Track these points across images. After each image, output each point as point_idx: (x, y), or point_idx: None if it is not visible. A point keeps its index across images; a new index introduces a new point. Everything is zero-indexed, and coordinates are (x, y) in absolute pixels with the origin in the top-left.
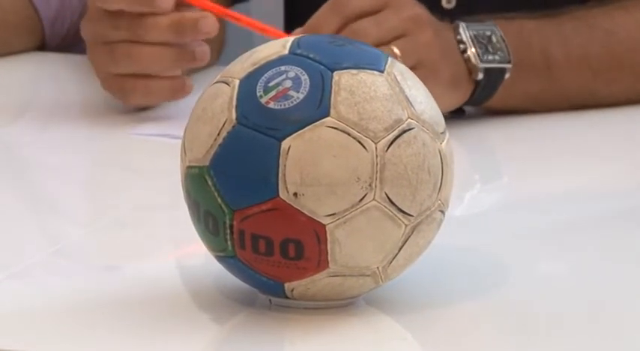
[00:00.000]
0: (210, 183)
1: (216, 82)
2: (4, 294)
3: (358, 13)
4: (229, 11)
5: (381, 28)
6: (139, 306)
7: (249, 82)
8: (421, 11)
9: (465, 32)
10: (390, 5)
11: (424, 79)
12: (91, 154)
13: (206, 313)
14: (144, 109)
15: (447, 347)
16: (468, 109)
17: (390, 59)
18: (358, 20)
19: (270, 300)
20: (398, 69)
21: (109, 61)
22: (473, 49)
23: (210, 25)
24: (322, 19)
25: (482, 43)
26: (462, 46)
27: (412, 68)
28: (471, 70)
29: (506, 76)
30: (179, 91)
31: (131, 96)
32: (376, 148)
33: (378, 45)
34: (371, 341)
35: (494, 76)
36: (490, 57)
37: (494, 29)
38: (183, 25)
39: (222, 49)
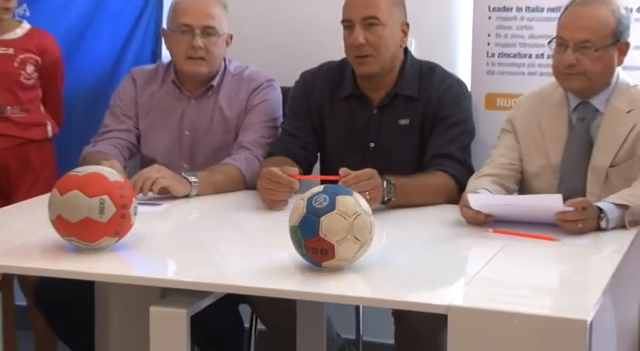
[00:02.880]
0: (298, 232)
1: (300, 200)
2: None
3: (364, 179)
4: (321, 176)
5: (369, 185)
6: (275, 269)
7: (310, 199)
8: (380, 181)
9: (385, 186)
10: (371, 177)
11: (373, 201)
12: (260, 222)
13: (298, 270)
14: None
15: (371, 283)
16: (378, 206)
17: (354, 192)
18: (364, 181)
19: (317, 268)
20: (356, 195)
21: (266, 194)
22: (385, 193)
23: (298, 186)
24: (355, 176)
25: (389, 190)
26: (383, 191)
27: (370, 199)
28: (383, 198)
29: (393, 199)
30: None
31: (275, 207)
32: (351, 219)
33: (365, 191)
34: (347, 281)
35: (389, 200)
36: (390, 195)
37: (393, 186)
38: (294, 188)
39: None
